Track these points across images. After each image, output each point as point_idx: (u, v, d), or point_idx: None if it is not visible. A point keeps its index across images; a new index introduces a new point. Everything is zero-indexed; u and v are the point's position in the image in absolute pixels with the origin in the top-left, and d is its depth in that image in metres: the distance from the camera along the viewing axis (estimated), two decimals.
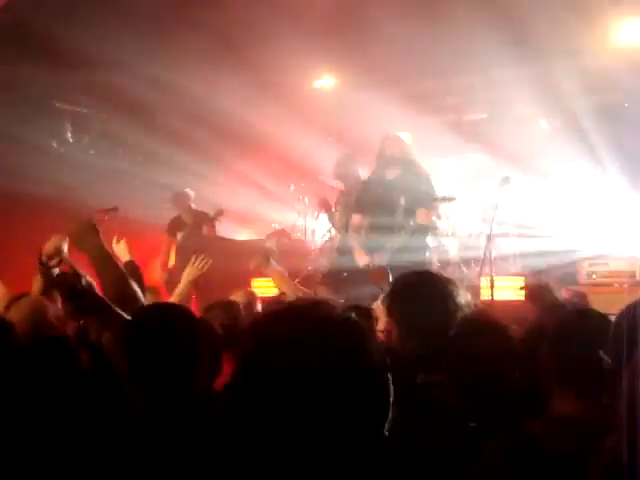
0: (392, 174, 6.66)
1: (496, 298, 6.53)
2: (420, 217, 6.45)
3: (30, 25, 7.79)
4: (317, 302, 1.49)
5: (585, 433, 1.77)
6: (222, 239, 9.54)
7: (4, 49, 8.25)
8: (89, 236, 3.10)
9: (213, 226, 9.22)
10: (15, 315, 3.43)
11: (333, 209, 8.19)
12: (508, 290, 7.33)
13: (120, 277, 3.14)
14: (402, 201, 6.46)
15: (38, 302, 3.64)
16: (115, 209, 8.46)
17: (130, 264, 5.30)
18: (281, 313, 1.44)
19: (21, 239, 9.39)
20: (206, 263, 5.15)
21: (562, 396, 1.93)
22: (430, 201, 6.64)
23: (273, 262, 4.84)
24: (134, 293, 3.16)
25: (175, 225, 9.39)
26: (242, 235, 10.76)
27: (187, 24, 8.05)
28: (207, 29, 8.03)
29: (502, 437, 1.87)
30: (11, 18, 7.88)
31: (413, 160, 6.70)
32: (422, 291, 2.79)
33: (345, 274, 6.59)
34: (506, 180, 6.69)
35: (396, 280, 3.07)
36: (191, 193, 9.41)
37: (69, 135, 10.67)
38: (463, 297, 2.75)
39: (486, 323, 2.55)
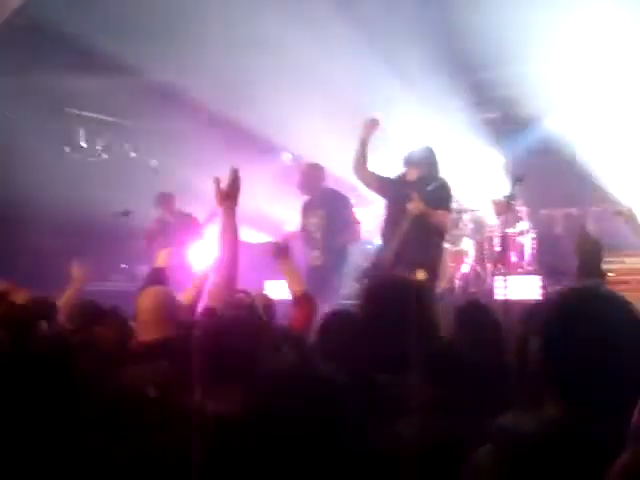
0: (412, 176, 6.60)
1: (510, 297, 6.48)
2: (438, 217, 6.37)
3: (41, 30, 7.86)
4: None
5: (569, 434, 1.75)
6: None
7: (17, 55, 8.31)
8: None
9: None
10: None
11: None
12: (523, 289, 7.29)
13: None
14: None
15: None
16: (127, 213, 8.53)
17: (156, 270, 5.28)
18: None
19: (34, 244, 9.49)
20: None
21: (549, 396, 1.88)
22: (449, 204, 6.58)
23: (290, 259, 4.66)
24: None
25: (156, 228, 9.03)
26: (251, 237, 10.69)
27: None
28: None
29: (493, 436, 1.85)
30: (21, 24, 7.95)
31: (434, 164, 6.62)
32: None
33: None
34: (519, 178, 6.65)
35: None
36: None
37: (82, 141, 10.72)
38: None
39: None
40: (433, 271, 6.22)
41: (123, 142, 10.95)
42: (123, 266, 10.74)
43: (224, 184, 3.65)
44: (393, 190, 6.60)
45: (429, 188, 6.31)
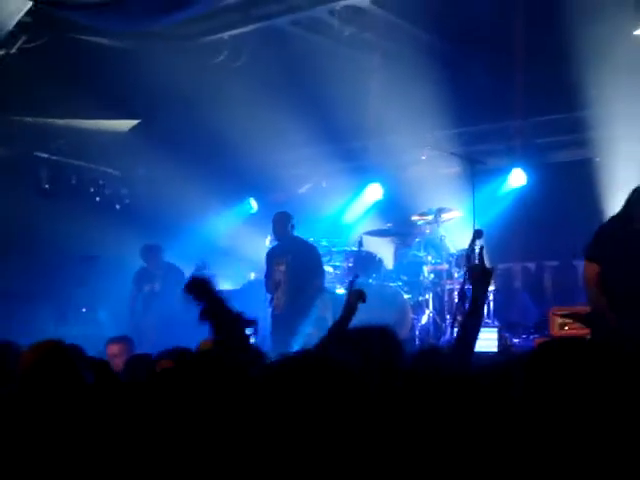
0: None
1: None
2: None
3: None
4: None
5: None
6: None
7: None
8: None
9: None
10: None
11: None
12: (481, 342, 7.38)
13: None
14: None
15: None
16: (96, 257, 8.54)
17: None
18: None
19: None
20: None
21: None
22: None
23: None
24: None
25: (142, 276, 9.21)
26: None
27: None
28: None
29: None
30: None
31: None
32: None
33: None
34: (479, 233, 6.77)
35: None
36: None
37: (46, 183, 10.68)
38: None
39: None
40: None
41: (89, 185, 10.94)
42: (83, 310, 10.68)
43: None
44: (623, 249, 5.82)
45: None
